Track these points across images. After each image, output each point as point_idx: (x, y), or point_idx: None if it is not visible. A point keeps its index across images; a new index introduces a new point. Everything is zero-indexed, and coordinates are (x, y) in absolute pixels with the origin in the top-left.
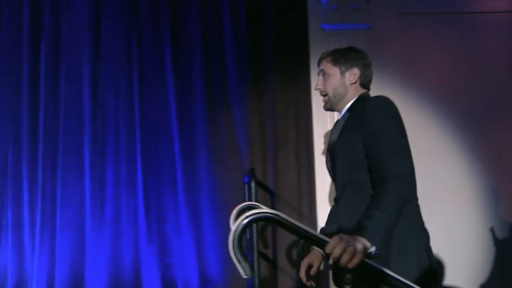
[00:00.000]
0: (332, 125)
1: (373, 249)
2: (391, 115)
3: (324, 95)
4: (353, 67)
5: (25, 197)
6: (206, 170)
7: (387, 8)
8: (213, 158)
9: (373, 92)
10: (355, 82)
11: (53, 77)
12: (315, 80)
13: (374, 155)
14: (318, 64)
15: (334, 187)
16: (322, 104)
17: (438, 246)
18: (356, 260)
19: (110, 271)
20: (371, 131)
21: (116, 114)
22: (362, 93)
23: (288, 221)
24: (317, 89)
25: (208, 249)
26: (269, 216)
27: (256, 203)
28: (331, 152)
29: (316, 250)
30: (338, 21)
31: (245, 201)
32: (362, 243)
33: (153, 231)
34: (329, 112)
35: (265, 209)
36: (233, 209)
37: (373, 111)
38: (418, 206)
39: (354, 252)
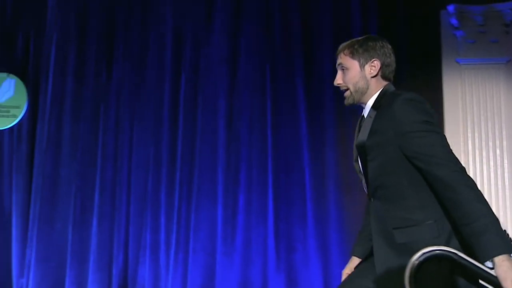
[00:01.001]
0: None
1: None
2: (424, 112)
3: (345, 90)
4: (373, 58)
5: (162, 220)
6: (335, 203)
7: None
8: (343, 191)
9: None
10: (376, 75)
11: (191, 108)
12: (449, 117)
13: (419, 154)
14: (336, 57)
15: None
16: (454, 140)
17: None
18: None
19: None
20: (409, 129)
21: (249, 145)
22: (385, 86)
23: (467, 260)
24: (337, 85)
25: (335, 281)
26: (447, 254)
27: None
28: (360, 153)
29: (356, 259)
30: (474, 55)
31: None
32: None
33: (282, 260)
34: (463, 151)
35: (441, 247)
36: None
37: (407, 109)
38: None
39: None
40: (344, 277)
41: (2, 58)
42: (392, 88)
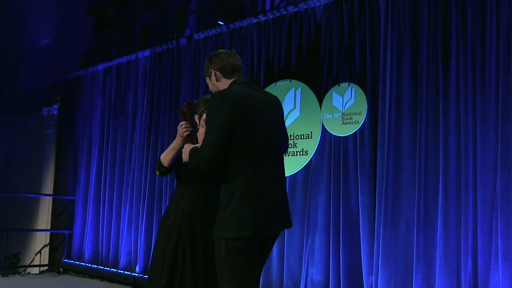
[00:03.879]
0: None
1: None
2: (217, 107)
3: None
4: (209, 70)
5: None
6: None
7: None
8: None
9: None
10: (218, 79)
11: None
12: None
13: None
14: None
15: None
16: None
17: None
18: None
19: None
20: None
21: None
22: (232, 81)
23: None
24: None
25: None
26: None
27: None
28: None
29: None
30: None
31: None
32: None
33: None
34: None
35: None
36: None
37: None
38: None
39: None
40: None
41: (344, 70)
42: (242, 81)
